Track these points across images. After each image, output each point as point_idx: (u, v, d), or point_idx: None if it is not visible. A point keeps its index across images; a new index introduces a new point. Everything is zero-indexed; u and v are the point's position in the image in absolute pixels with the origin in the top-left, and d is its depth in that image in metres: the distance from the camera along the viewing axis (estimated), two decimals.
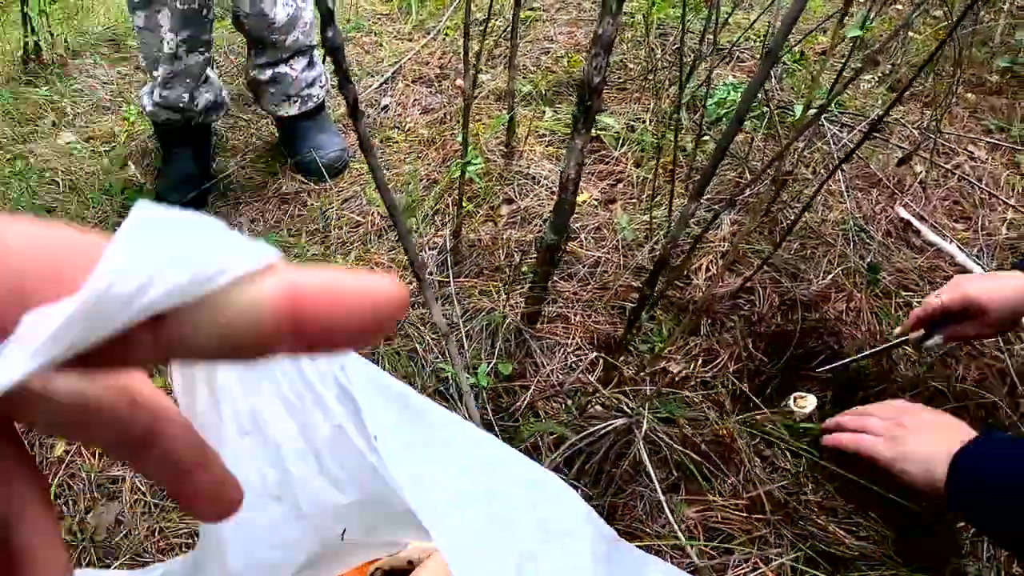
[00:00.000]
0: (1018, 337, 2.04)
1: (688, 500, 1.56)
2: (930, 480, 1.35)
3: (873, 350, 1.79)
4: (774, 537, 1.56)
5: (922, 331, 1.70)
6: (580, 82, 1.44)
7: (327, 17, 0.80)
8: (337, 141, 2.52)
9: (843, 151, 2.40)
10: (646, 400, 1.49)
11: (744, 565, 1.52)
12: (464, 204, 2.14)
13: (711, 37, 2.01)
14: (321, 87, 2.53)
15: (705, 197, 2.07)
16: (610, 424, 1.43)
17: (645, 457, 1.34)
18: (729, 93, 2.01)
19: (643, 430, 1.37)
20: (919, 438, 1.43)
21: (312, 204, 2.40)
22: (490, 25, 2.78)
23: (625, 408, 1.44)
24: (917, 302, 1.99)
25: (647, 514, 1.55)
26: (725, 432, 1.61)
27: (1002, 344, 1.98)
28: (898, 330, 1.75)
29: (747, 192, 2.02)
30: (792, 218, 1.85)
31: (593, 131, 2.29)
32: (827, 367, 1.76)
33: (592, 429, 1.49)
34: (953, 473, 1.32)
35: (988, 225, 2.32)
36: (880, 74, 2.76)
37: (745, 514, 1.57)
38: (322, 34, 0.82)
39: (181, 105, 2.37)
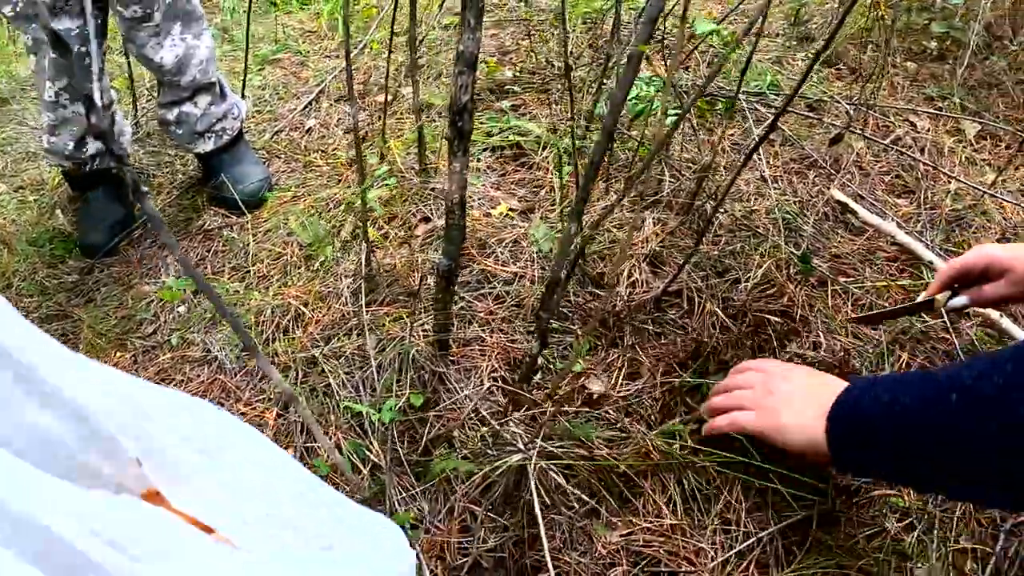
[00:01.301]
0: (965, 315, 1.95)
1: (609, 524, 1.48)
2: (813, 446, 1.31)
3: (900, 306, 1.71)
4: (706, 554, 1.48)
5: (948, 292, 1.63)
6: (450, 103, 1.36)
7: (88, 104, 0.72)
8: (257, 171, 2.44)
9: (777, 135, 2.31)
10: (548, 427, 1.40)
11: None
12: (382, 227, 2.06)
13: (625, 31, 1.93)
14: (235, 118, 2.45)
15: (628, 198, 1.98)
16: (512, 455, 1.35)
17: (533, 490, 1.25)
18: (642, 88, 1.92)
19: (535, 466, 1.29)
20: (791, 407, 1.38)
21: (234, 238, 2.32)
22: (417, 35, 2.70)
23: (520, 439, 1.35)
24: (857, 288, 1.90)
25: (567, 543, 1.46)
26: (647, 449, 1.53)
27: (949, 325, 1.90)
28: (924, 294, 1.68)
29: (668, 189, 1.93)
30: (717, 212, 1.77)
31: (511, 136, 2.20)
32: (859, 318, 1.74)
33: (500, 459, 1.41)
34: (832, 431, 1.28)
35: (932, 198, 2.23)
36: (815, 50, 2.67)
37: (671, 535, 1.48)
38: (87, 117, 0.74)
39: (67, 153, 2.30)
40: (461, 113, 1.36)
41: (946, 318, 1.88)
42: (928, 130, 2.48)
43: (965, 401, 1.07)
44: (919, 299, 1.68)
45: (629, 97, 2.04)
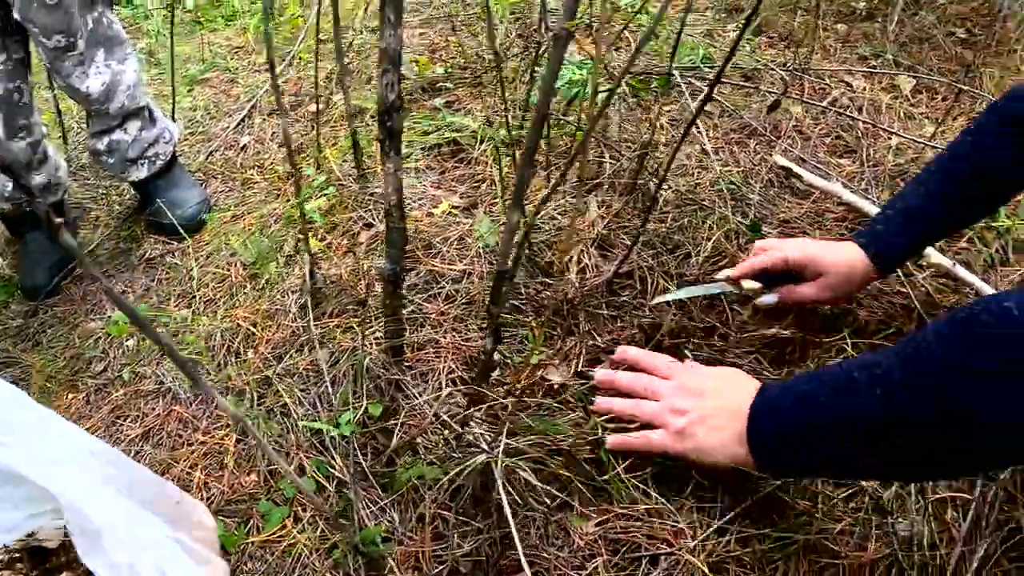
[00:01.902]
0: (919, 266, 1.95)
1: (584, 515, 1.45)
2: (738, 461, 1.33)
3: (696, 287, 1.70)
4: (685, 534, 1.45)
5: (759, 285, 1.62)
6: (377, 103, 1.32)
7: None
8: (194, 195, 2.39)
9: (716, 107, 2.30)
10: (510, 424, 1.37)
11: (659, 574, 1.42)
12: (324, 237, 2.02)
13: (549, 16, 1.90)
14: (167, 143, 2.39)
15: (571, 184, 1.96)
16: (476, 456, 1.32)
17: (501, 490, 1.22)
18: (574, 72, 1.89)
19: (501, 465, 1.26)
20: (707, 425, 1.38)
21: (177, 264, 2.26)
22: (346, 41, 2.65)
23: (483, 439, 1.32)
24: None
25: (542, 539, 1.43)
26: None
27: (903, 278, 1.89)
28: (728, 273, 1.66)
29: (609, 171, 1.90)
30: (662, 189, 1.75)
31: (447, 132, 2.17)
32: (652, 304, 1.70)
33: (465, 462, 1.38)
34: (753, 446, 1.30)
35: (873, 155, 2.22)
36: (744, 20, 2.66)
37: (648, 519, 1.46)
38: None
39: (5, 195, 2.23)
40: (389, 112, 1.33)
41: (901, 273, 1.88)
42: (864, 89, 2.49)
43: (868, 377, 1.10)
44: (721, 276, 1.67)
45: (562, 82, 2.01)
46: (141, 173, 2.38)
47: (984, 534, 1.50)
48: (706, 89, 2.22)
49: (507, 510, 1.21)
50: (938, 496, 1.54)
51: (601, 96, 1.31)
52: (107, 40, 2.16)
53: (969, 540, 1.49)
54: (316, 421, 1.64)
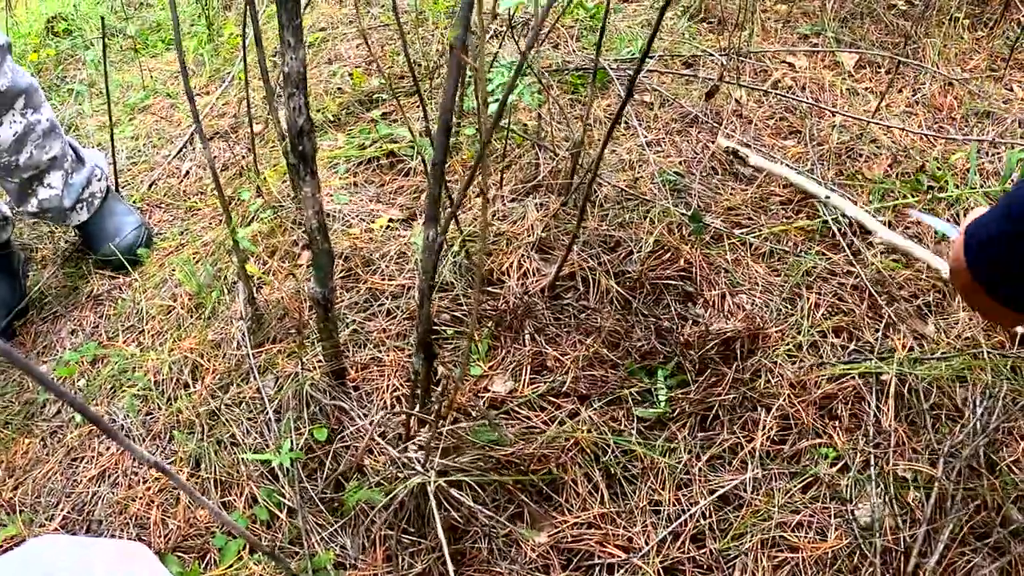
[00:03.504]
0: (868, 244, 1.94)
1: (534, 526, 1.42)
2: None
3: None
4: (639, 538, 1.43)
5: None
6: (287, 129, 1.29)
7: None
8: (131, 221, 2.34)
9: (656, 98, 2.27)
10: (446, 441, 1.35)
11: None
12: (265, 261, 1.98)
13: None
14: (99, 180, 2.34)
15: (508, 187, 1.93)
16: (412, 478, 1.29)
17: (435, 512, 1.19)
18: (502, 75, 1.86)
19: (435, 486, 1.23)
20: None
21: (124, 299, 2.22)
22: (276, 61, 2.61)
23: (418, 462, 1.29)
24: (754, 237, 1.87)
25: (493, 553, 1.41)
26: (570, 440, 1.48)
27: (852, 257, 1.88)
28: None
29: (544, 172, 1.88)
30: (596, 188, 1.72)
31: (384, 144, 2.14)
32: None
33: (403, 483, 1.35)
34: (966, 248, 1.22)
35: (819, 134, 2.21)
36: (681, 7, 2.64)
37: (600, 525, 1.44)
38: None
39: None
40: (300, 136, 1.30)
41: (849, 253, 1.86)
42: (806, 68, 2.47)
43: None
44: None
45: (493, 85, 1.98)
46: (82, 216, 2.33)
47: (949, 512, 1.49)
48: (646, 80, 2.20)
49: (440, 532, 1.18)
50: (899, 477, 1.53)
51: (492, 108, 1.28)
52: (25, 89, 2.09)
53: (933, 519, 1.48)
54: (263, 450, 1.61)
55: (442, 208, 1.23)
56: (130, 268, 2.25)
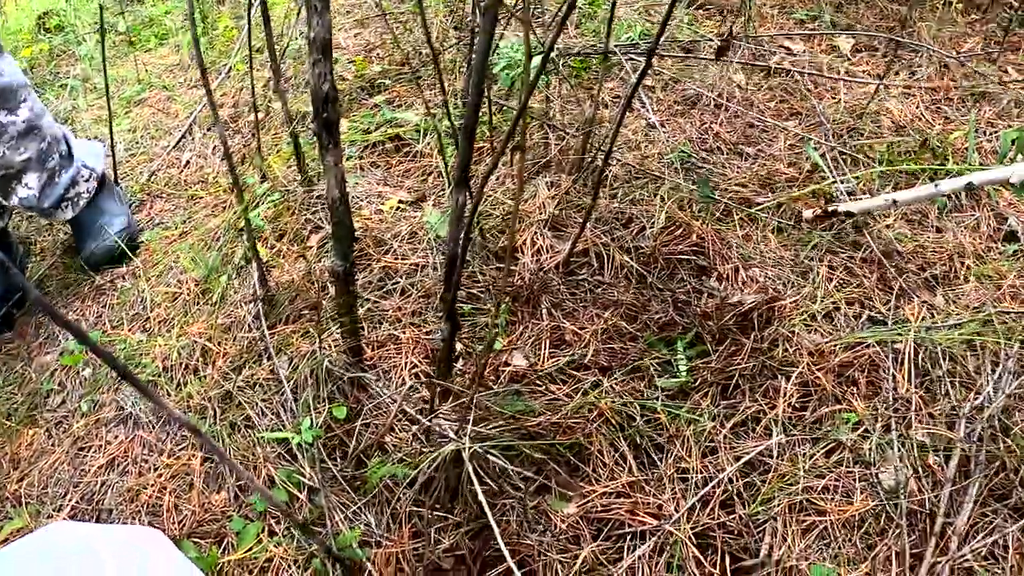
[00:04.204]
0: (874, 217, 1.95)
1: (563, 496, 1.42)
2: None
3: None
4: (669, 505, 1.43)
5: None
6: (311, 94, 1.28)
7: None
8: (117, 223, 2.31)
9: (658, 82, 2.28)
10: (476, 410, 1.34)
11: (646, 551, 1.40)
12: (273, 244, 1.97)
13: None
14: (86, 180, 2.31)
15: (518, 167, 1.93)
16: (444, 446, 1.28)
17: (473, 478, 1.19)
18: (511, 58, 1.86)
19: (470, 452, 1.22)
20: None
21: (128, 288, 2.20)
22: (280, 46, 2.60)
23: (451, 430, 1.29)
24: (762, 213, 1.88)
25: (523, 526, 1.40)
26: (595, 411, 1.48)
27: (862, 228, 1.89)
28: None
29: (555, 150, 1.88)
30: (607, 165, 1.73)
31: (389, 129, 2.14)
32: None
33: (435, 454, 1.34)
34: None
35: (820, 115, 2.22)
36: None
37: (629, 494, 1.44)
38: None
39: None
40: (324, 103, 1.29)
41: (863, 227, 1.87)
42: (804, 52, 2.49)
43: None
44: None
45: (502, 67, 1.99)
46: (67, 215, 2.30)
47: (972, 474, 1.50)
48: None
49: (481, 498, 1.17)
50: (919, 441, 1.54)
51: (534, 66, 1.28)
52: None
53: (956, 481, 1.49)
54: (280, 431, 1.60)
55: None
56: (121, 262, 2.23)
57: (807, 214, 1.83)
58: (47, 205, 2.23)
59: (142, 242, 2.32)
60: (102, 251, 2.25)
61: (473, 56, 1.95)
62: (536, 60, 1.68)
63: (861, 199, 1.89)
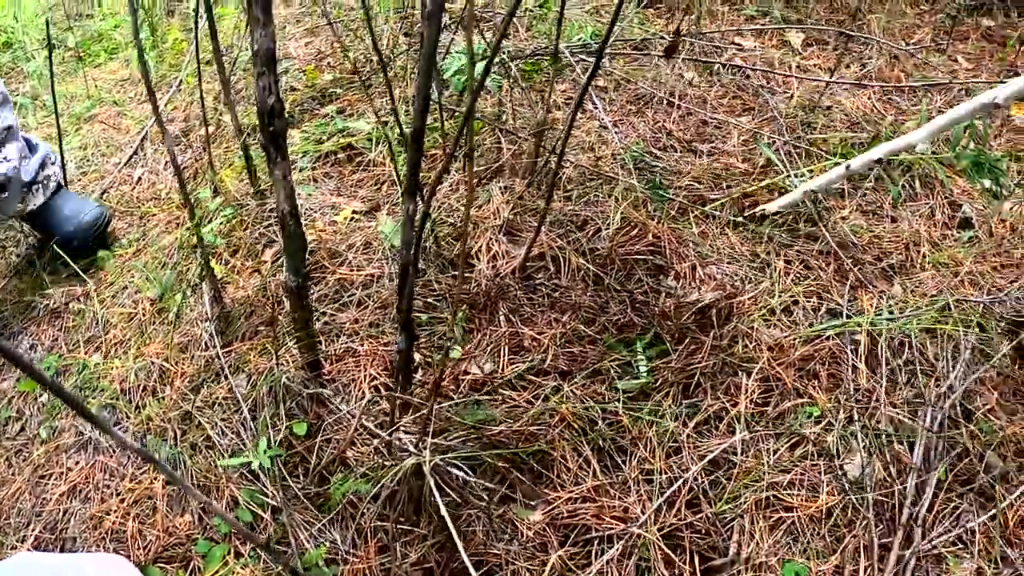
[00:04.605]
0: (826, 209, 1.96)
1: (528, 505, 1.41)
2: None
3: None
4: (635, 508, 1.43)
5: None
6: (258, 109, 1.26)
7: None
8: (90, 203, 2.29)
9: (610, 82, 2.28)
10: (435, 422, 1.33)
11: (614, 555, 1.39)
12: (228, 260, 1.95)
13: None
14: (53, 163, 2.28)
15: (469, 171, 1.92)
16: (405, 460, 1.27)
17: (435, 491, 1.17)
18: (461, 61, 1.85)
19: (431, 465, 1.21)
20: None
21: (83, 309, 2.17)
22: (230, 58, 2.57)
23: (411, 443, 1.27)
24: (715, 210, 1.88)
25: (490, 535, 1.39)
26: (556, 417, 1.47)
27: (818, 220, 1.90)
28: None
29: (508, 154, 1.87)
30: (560, 167, 1.72)
31: (341, 139, 2.12)
32: None
33: (396, 468, 1.33)
34: None
35: (772, 110, 2.23)
36: None
37: (595, 498, 1.43)
38: None
39: None
40: (271, 116, 1.27)
41: (818, 220, 1.88)
42: (755, 48, 2.50)
43: None
44: None
45: (453, 72, 1.97)
46: (39, 199, 2.26)
47: (934, 462, 1.51)
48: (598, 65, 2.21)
49: (444, 512, 1.16)
50: (881, 429, 1.54)
51: (480, 71, 1.27)
52: None
53: (923, 469, 1.49)
54: (240, 451, 1.58)
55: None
56: (91, 244, 2.19)
57: (772, 206, 1.84)
58: (27, 179, 2.20)
59: (108, 248, 2.28)
60: (82, 230, 2.22)
61: None
62: (482, 64, 1.67)
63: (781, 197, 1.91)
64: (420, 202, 1.18)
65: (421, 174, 1.27)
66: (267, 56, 1.24)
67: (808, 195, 1.84)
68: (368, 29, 1.45)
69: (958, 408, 1.57)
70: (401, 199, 1.18)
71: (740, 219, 1.87)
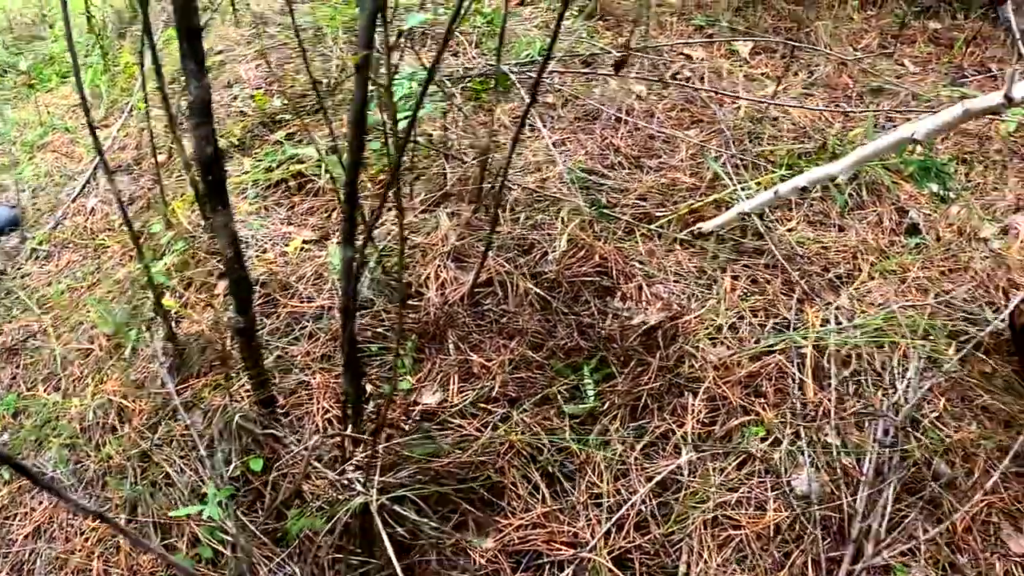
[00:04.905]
0: (774, 221, 1.99)
1: (480, 532, 1.43)
2: None
3: None
4: (585, 532, 1.45)
5: None
6: (196, 158, 1.27)
7: None
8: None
9: (559, 99, 2.30)
10: (389, 455, 1.35)
11: None
12: (182, 294, 1.95)
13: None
14: None
15: (418, 199, 1.93)
16: (354, 499, 1.29)
17: (381, 529, 1.19)
18: (408, 86, 1.87)
19: (377, 504, 1.23)
20: None
21: (40, 347, 2.16)
22: (179, 84, 2.57)
23: (358, 482, 1.29)
24: (658, 228, 1.91)
25: (443, 564, 1.41)
26: (505, 444, 1.49)
27: (765, 233, 1.92)
28: None
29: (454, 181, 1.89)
30: (506, 191, 1.74)
31: (291, 166, 2.13)
32: None
33: (343, 505, 1.35)
34: None
35: (721, 121, 2.26)
36: (578, 8, 2.67)
37: (545, 523, 1.45)
38: None
39: None
40: (209, 165, 1.28)
41: (764, 233, 1.91)
42: (703, 59, 2.52)
43: None
44: None
45: (399, 97, 1.99)
46: None
47: (887, 474, 1.53)
48: (546, 80, 2.22)
49: (390, 551, 1.18)
50: (828, 444, 1.57)
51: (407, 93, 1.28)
52: None
53: (874, 483, 1.52)
54: (199, 487, 1.59)
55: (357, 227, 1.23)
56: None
57: (708, 225, 1.87)
58: None
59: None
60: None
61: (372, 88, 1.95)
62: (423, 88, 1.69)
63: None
64: (355, 250, 1.19)
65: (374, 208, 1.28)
66: (202, 107, 1.24)
67: (742, 215, 1.87)
68: (305, 64, 1.46)
69: (907, 419, 1.60)
70: (337, 246, 1.20)
71: (686, 236, 1.90)
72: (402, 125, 1.39)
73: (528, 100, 1.45)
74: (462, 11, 1.03)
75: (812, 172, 1.79)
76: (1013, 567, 1.47)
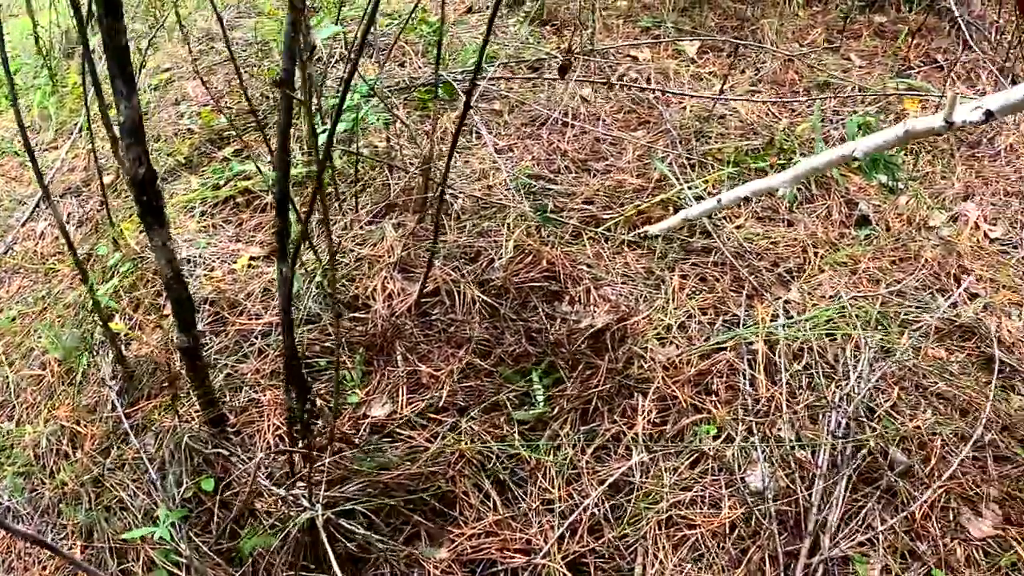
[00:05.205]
0: (724, 219, 2.00)
1: (433, 543, 1.43)
2: None
3: None
4: (538, 538, 1.45)
5: None
6: (129, 181, 1.26)
7: None
8: None
9: (505, 105, 2.30)
10: (337, 470, 1.34)
11: None
12: (131, 316, 1.94)
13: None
14: None
15: (364, 210, 1.93)
16: (301, 515, 1.28)
17: (327, 545, 1.19)
18: (353, 97, 1.86)
19: (323, 519, 1.22)
20: None
21: None
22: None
23: (304, 498, 1.28)
24: (604, 231, 1.92)
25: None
26: (456, 454, 1.49)
27: (712, 230, 1.93)
28: None
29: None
30: (451, 200, 1.74)
31: (239, 182, 2.12)
32: None
33: (292, 521, 1.34)
34: None
35: (667, 121, 2.27)
36: (523, 12, 2.68)
37: (498, 531, 1.45)
38: None
39: None
40: (143, 186, 1.27)
41: (712, 231, 1.92)
42: (650, 60, 2.53)
43: None
44: None
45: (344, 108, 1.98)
46: None
47: (841, 466, 1.54)
48: (491, 86, 2.23)
49: (336, 568, 1.17)
50: (782, 438, 1.57)
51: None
52: None
53: (828, 475, 1.52)
54: (152, 510, 1.57)
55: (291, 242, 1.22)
56: None
57: (653, 229, 1.88)
58: None
59: None
60: None
61: (321, 100, 1.94)
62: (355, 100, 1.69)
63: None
64: (289, 264, 1.19)
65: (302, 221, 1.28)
66: (132, 128, 1.23)
67: (684, 220, 1.88)
68: (241, 87, 1.46)
69: (861, 409, 1.61)
70: (293, 248, 1.19)
71: (634, 238, 1.91)
72: (322, 139, 1.38)
73: (463, 109, 1.45)
74: (375, 21, 1.03)
75: (753, 183, 1.82)
76: (974, 551, 1.48)
